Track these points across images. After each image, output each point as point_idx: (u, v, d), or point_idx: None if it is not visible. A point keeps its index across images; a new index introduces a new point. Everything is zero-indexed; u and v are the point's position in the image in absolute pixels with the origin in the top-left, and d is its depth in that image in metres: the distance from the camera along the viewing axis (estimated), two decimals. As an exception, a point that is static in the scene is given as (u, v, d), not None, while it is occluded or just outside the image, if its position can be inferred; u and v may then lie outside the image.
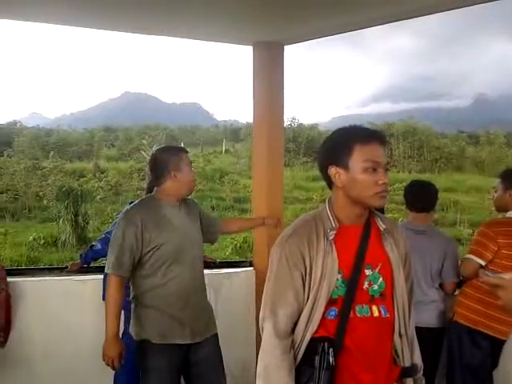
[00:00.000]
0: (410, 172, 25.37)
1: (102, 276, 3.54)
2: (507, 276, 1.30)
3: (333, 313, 1.71)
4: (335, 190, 1.77)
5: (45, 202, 18.49)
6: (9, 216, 17.52)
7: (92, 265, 3.75)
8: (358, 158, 1.67)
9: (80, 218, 15.10)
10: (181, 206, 2.78)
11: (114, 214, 16.44)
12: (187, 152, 2.85)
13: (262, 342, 1.75)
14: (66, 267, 3.75)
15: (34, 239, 14.62)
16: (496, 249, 2.96)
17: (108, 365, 2.66)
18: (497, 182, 3.19)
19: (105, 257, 3.57)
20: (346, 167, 1.70)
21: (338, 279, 1.70)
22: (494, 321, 2.94)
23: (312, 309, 1.70)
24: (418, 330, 1.94)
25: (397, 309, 1.76)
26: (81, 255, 3.68)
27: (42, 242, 14.65)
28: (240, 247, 14.18)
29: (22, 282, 3.66)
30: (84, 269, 3.71)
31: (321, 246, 1.71)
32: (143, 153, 25.59)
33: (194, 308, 2.75)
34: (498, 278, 1.30)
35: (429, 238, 3.22)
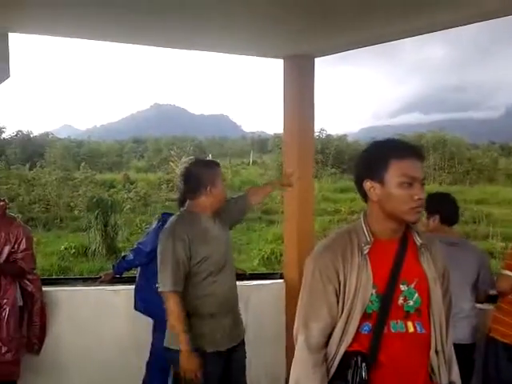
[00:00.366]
0: (440, 184, 24.95)
1: (133, 286, 3.59)
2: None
3: (366, 328, 1.70)
4: (370, 204, 1.76)
5: (76, 212, 18.85)
6: (40, 226, 17.89)
7: (124, 275, 3.80)
8: (394, 173, 1.66)
9: (110, 229, 15.32)
10: (215, 216, 2.86)
11: (143, 224, 16.65)
12: (219, 166, 2.92)
13: (295, 355, 1.76)
14: (99, 277, 3.81)
15: (65, 249, 14.91)
16: None
17: (190, 380, 2.63)
18: None
19: (137, 267, 3.62)
20: (381, 181, 1.69)
21: (372, 294, 1.69)
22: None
23: (346, 323, 1.70)
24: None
25: (433, 325, 1.74)
26: (113, 265, 3.73)
27: (73, 251, 14.92)
28: (267, 258, 14.17)
29: (56, 291, 3.74)
30: (116, 279, 3.77)
31: (355, 260, 1.70)
32: (172, 164, 25.86)
33: (234, 310, 2.89)
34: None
35: (462, 249, 3.17)
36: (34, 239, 3.81)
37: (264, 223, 18.59)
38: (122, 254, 3.85)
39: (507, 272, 2.97)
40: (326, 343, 1.73)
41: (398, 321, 1.70)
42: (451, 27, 3.42)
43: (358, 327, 1.69)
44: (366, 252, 1.71)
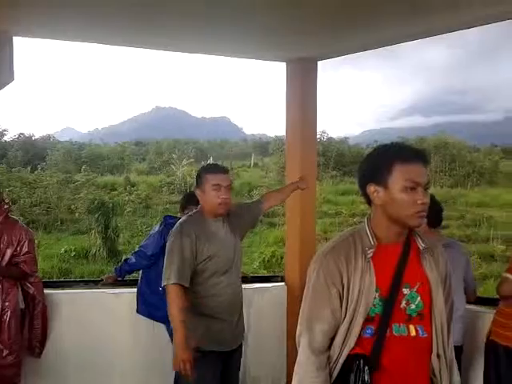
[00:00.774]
0: (441, 187, 24.94)
1: (135, 289, 3.59)
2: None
3: (369, 331, 1.70)
4: (374, 208, 1.76)
5: (76, 214, 18.84)
6: (41, 228, 17.88)
7: (126, 278, 3.80)
8: (398, 178, 1.66)
9: (110, 231, 15.32)
10: (224, 220, 2.88)
11: (144, 227, 16.67)
12: (220, 173, 2.83)
13: (298, 357, 1.77)
14: (101, 280, 3.81)
15: (66, 251, 14.90)
16: None
17: (181, 372, 2.62)
18: None
19: (139, 270, 3.63)
20: (385, 186, 1.69)
21: (375, 297, 1.69)
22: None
23: (349, 326, 1.70)
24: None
25: (435, 329, 1.74)
26: (115, 268, 3.74)
27: (73, 254, 14.91)
28: (268, 261, 14.15)
29: (58, 294, 3.74)
30: (118, 282, 3.77)
31: (359, 263, 1.71)
32: (173, 166, 25.91)
33: (238, 313, 2.91)
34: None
35: (453, 251, 3.20)
36: (36, 241, 3.82)
37: (265, 226, 18.56)
38: (123, 257, 3.86)
39: (509, 275, 2.97)
40: (329, 346, 1.73)
41: (401, 324, 1.70)
42: (453, 31, 3.42)
43: (361, 330, 1.69)
44: (369, 256, 1.71)
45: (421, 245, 1.77)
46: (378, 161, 1.73)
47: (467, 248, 15.07)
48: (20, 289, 3.39)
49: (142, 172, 30.36)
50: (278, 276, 4.31)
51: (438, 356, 1.76)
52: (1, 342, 3.22)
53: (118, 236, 15.72)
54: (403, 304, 1.71)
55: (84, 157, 32.73)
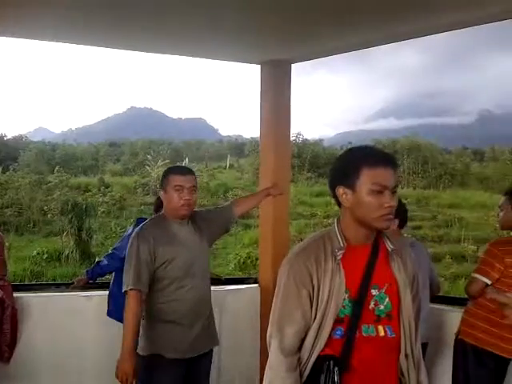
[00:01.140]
0: (414, 188, 25.34)
1: (107, 292, 3.56)
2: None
3: (339, 332, 1.72)
4: (343, 210, 1.78)
5: (49, 216, 18.57)
6: (13, 230, 17.59)
7: (98, 281, 3.76)
8: (365, 181, 1.68)
9: (84, 233, 15.16)
10: (188, 222, 2.84)
11: (118, 228, 16.52)
12: (184, 174, 2.77)
13: (269, 359, 1.77)
14: (72, 283, 3.76)
15: (38, 254, 14.68)
16: (502, 268, 2.93)
17: (121, 382, 2.60)
18: (502, 200, 3.16)
19: (111, 273, 3.60)
20: (353, 188, 1.71)
21: (345, 299, 1.71)
22: (499, 339, 2.91)
23: (319, 327, 1.71)
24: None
25: (403, 329, 1.76)
26: (87, 271, 3.69)
27: (46, 256, 14.70)
28: (243, 262, 14.17)
29: (28, 297, 3.68)
30: (90, 285, 3.73)
31: (328, 265, 1.72)
32: (148, 167, 25.71)
33: (204, 320, 2.83)
34: (507, 296, 1.31)
35: (418, 250, 3.30)
36: (6, 244, 3.76)
37: (240, 227, 18.58)
38: (96, 259, 3.82)
39: (477, 275, 3.02)
40: (300, 347, 1.74)
41: (370, 325, 1.72)
42: (425, 35, 3.47)
43: (331, 331, 1.70)
44: (339, 257, 1.73)
45: (389, 246, 1.79)
46: (347, 164, 1.75)
47: (439, 248, 15.37)
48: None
49: (117, 173, 30.07)
50: (251, 278, 4.33)
51: (406, 356, 1.78)
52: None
53: (91, 238, 15.58)
54: (372, 305, 1.73)
55: (57, 157, 32.32)
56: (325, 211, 18.50)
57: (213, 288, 3.91)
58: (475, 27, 3.30)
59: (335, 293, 1.70)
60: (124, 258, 3.41)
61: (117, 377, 2.59)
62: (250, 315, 3.99)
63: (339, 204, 1.78)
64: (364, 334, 1.71)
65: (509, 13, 2.90)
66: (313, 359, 1.71)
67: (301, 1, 2.75)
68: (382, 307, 1.74)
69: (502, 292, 2.93)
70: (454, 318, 3.29)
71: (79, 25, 3.16)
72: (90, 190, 22.43)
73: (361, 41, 3.58)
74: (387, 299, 1.75)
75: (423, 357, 3.11)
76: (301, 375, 1.73)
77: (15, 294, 3.48)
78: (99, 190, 22.41)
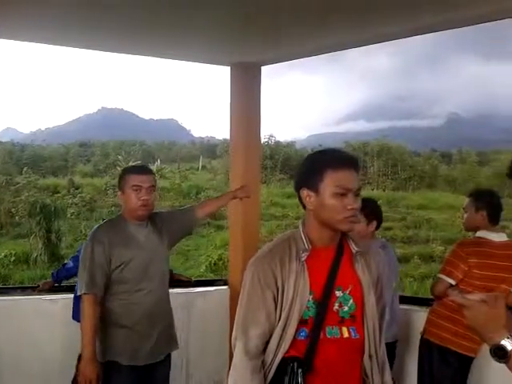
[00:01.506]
0: (384, 190, 25.75)
1: (73, 295, 3.50)
2: (473, 296, 1.33)
3: (303, 333, 1.72)
4: (307, 212, 1.79)
5: (17, 218, 18.22)
6: (-21, 232, 17.19)
7: (63, 284, 3.70)
8: (329, 183, 1.69)
9: (53, 235, 14.93)
10: (147, 223, 2.77)
11: (88, 230, 16.27)
12: (141, 173, 2.72)
13: (233, 361, 1.77)
14: (38, 286, 3.69)
15: (5, 256, 14.39)
16: (467, 269, 3.00)
17: None
18: (467, 201, 3.21)
19: (77, 275, 3.54)
20: (316, 191, 1.72)
21: (309, 300, 1.72)
22: (463, 338, 2.97)
23: (283, 329, 1.71)
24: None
25: (367, 330, 1.78)
26: (52, 274, 3.63)
27: (13, 259, 14.41)
28: (215, 264, 14.14)
29: (-7, 300, 3.59)
30: (55, 288, 3.66)
31: (293, 266, 1.73)
32: (119, 169, 25.44)
33: (162, 325, 2.76)
34: (464, 298, 1.34)
35: (389, 251, 3.34)
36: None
37: (212, 228, 18.57)
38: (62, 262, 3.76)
39: (442, 276, 3.08)
40: (264, 349, 1.75)
41: (334, 326, 1.73)
42: (397, 38, 3.48)
43: (295, 333, 1.71)
44: (303, 259, 1.73)
45: (353, 248, 1.81)
46: (311, 166, 1.76)
47: (408, 249, 15.63)
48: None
49: (87, 174, 29.75)
50: (221, 279, 4.32)
51: (370, 357, 1.79)
52: None
53: (60, 240, 15.36)
54: (336, 306, 1.74)
55: (26, 158, 31.78)
56: (296, 212, 18.63)
57: (182, 290, 3.93)
58: (446, 31, 3.36)
59: (299, 294, 1.70)
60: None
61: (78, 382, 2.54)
62: (219, 317, 3.97)
63: (304, 206, 1.79)
64: (328, 336, 1.72)
65: (480, 17, 2.96)
66: (277, 361, 1.72)
67: (270, 3, 2.76)
68: (346, 308, 1.75)
69: (466, 292, 2.99)
70: (421, 317, 3.35)
71: (50, 25, 3.11)
72: (59, 192, 22.15)
73: (332, 43, 3.60)
74: (351, 300, 1.76)
75: (393, 356, 3.18)
76: (265, 377, 1.73)
77: (-21, 298, 3.40)
78: (69, 191, 22.13)
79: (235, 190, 3.42)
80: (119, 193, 2.73)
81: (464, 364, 3.10)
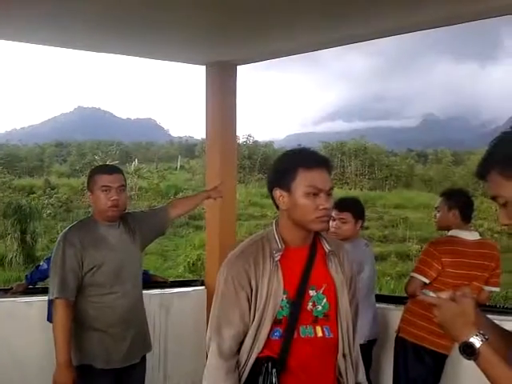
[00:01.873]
0: (361, 189, 25.97)
1: (47, 297, 3.45)
2: (443, 295, 1.35)
3: (277, 333, 1.72)
4: (280, 212, 1.80)
5: (-9, 219, 17.85)
6: (-48, 234, 16.80)
7: (38, 285, 3.64)
8: (301, 183, 1.70)
9: (28, 236, 14.69)
10: (119, 223, 2.72)
11: (64, 231, 16.06)
12: (110, 173, 2.66)
13: (207, 362, 1.76)
14: (11, 288, 3.62)
15: (-21, 258, 14.09)
16: (440, 268, 3.04)
17: None
18: (439, 200, 3.25)
19: (51, 277, 3.49)
20: (288, 191, 1.72)
21: (283, 300, 1.72)
22: (437, 336, 2.99)
23: (257, 329, 1.72)
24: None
25: (340, 329, 1.79)
26: (26, 276, 3.57)
27: (-13, 260, 14.14)
28: (193, 264, 14.09)
29: (-36, 304, 3.52)
30: (30, 290, 3.60)
31: (267, 266, 1.73)
32: (95, 169, 25.14)
33: (136, 327, 2.73)
34: (434, 297, 1.35)
35: (371, 250, 3.42)
36: None
37: (191, 229, 18.50)
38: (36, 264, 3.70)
39: (415, 274, 3.12)
40: (238, 350, 1.75)
41: (307, 326, 1.74)
42: (371, 39, 3.52)
43: (269, 333, 1.71)
44: (277, 259, 1.74)
45: (326, 247, 1.82)
46: (283, 166, 1.76)
47: (385, 248, 15.80)
48: None
49: (63, 174, 29.37)
50: (198, 280, 4.30)
51: (344, 356, 1.80)
52: None
53: (35, 241, 15.12)
54: (310, 306, 1.74)
55: (0, 158, 31.16)
56: (275, 212, 18.49)
57: (159, 291, 3.91)
58: (422, 32, 3.40)
59: (273, 294, 1.71)
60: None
61: None
62: (196, 318, 3.96)
63: (277, 206, 1.80)
64: (302, 335, 1.73)
65: (456, 18, 3.00)
66: (251, 361, 1.72)
67: (246, 2, 2.77)
68: (319, 308, 1.76)
69: (438, 291, 3.04)
70: (397, 316, 3.39)
71: (27, 24, 3.08)
72: (34, 192, 21.79)
73: (307, 43, 3.62)
74: (325, 300, 1.77)
75: (371, 353, 3.21)
76: (239, 378, 1.73)
77: (-50, 301, 3.32)
78: (44, 191, 21.79)
79: (208, 190, 3.34)
80: (89, 193, 2.68)
81: (438, 362, 3.15)
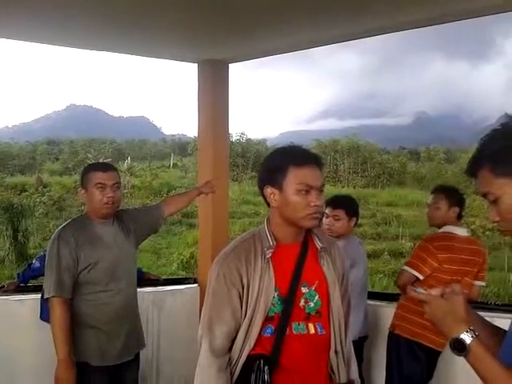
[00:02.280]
0: (354, 187, 25.99)
1: (40, 295, 3.44)
2: (433, 292, 1.35)
3: (269, 330, 1.73)
4: (272, 210, 1.80)
5: (-17, 217, 17.74)
6: None
7: (30, 284, 3.62)
8: (292, 180, 1.71)
9: (20, 235, 14.60)
10: (113, 221, 2.73)
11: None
12: (105, 171, 2.67)
13: (199, 359, 1.76)
14: (3, 286, 3.60)
15: (-29, 256, 14.00)
16: (436, 264, 3.04)
17: None
18: (436, 197, 3.21)
19: (43, 275, 3.47)
20: (280, 188, 1.73)
21: (274, 297, 1.72)
22: (432, 332, 2.98)
23: (249, 326, 1.72)
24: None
25: (333, 326, 1.79)
26: (18, 274, 3.56)
27: (-20, 259, 14.05)
28: (187, 262, 14.05)
29: (-44, 302, 3.50)
30: (22, 288, 3.58)
31: (258, 264, 1.73)
32: (88, 167, 25.03)
33: (129, 324, 2.74)
34: (424, 293, 1.36)
35: (363, 248, 3.43)
36: None
37: (184, 226, 18.43)
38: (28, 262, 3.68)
39: (407, 268, 3.12)
40: (230, 347, 1.75)
41: (300, 322, 1.74)
42: (364, 37, 3.52)
43: (261, 330, 1.71)
44: (268, 256, 1.74)
45: (318, 244, 1.82)
46: (274, 164, 1.76)
47: (378, 245, 15.83)
48: None
49: (55, 172, 29.17)
50: (190, 278, 4.29)
51: (336, 352, 1.81)
52: None
53: (28, 239, 15.02)
54: (302, 302, 1.75)
55: (-9, 156, 30.94)
56: (267, 210, 18.60)
57: (152, 289, 3.91)
58: (414, 31, 3.41)
59: (264, 291, 1.71)
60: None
61: None
62: (189, 315, 3.96)
63: (268, 204, 1.80)
64: (294, 332, 1.73)
65: (447, 16, 3.02)
66: (243, 358, 1.72)
67: (238, 1, 2.77)
68: (312, 304, 1.76)
69: (435, 287, 3.05)
70: (389, 313, 3.40)
71: (20, 21, 3.07)
72: (26, 190, 21.63)
73: (299, 41, 3.63)
74: (317, 296, 1.77)
75: (362, 349, 3.23)
76: (231, 375, 1.73)
77: None
78: (37, 189, 21.64)
79: (200, 186, 3.34)
80: (82, 191, 2.67)
81: (432, 358, 3.16)
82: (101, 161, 24.68)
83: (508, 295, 11.39)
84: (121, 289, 2.65)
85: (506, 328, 1.32)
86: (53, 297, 2.53)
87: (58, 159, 35.19)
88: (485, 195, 1.25)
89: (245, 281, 1.73)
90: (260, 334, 1.72)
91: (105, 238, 2.65)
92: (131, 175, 24.43)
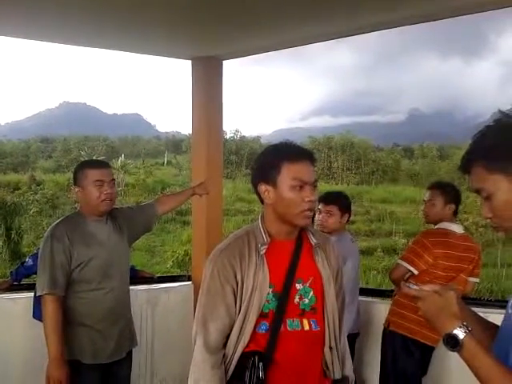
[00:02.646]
0: (348, 184, 26.07)
1: (32, 293, 3.42)
2: (427, 287, 1.36)
3: (263, 327, 1.73)
4: (266, 207, 1.80)
5: (-25, 215, 17.65)
6: None
7: (23, 282, 3.61)
8: (286, 176, 1.71)
9: (13, 233, 14.54)
10: (107, 219, 2.72)
11: (50, 227, 15.93)
12: (102, 168, 2.67)
13: (193, 356, 1.76)
14: (-5, 285, 3.59)
15: (-36, 255, 13.94)
16: (431, 260, 3.04)
17: None
18: (433, 194, 3.20)
19: (36, 273, 3.46)
20: (274, 185, 1.73)
21: (269, 293, 1.72)
22: (426, 328, 2.97)
23: (243, 323, 1.72)
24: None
25: (327, 322, 1.79)
26: (11, 272, 3.54)
27: (-28, 258, 13.99)
28: (181, 260, 14.05)
29: None
30: (15, 286, 3.57)
31: (252, 260, 1.73)
32: (81, 164, 24.95)
33: (122, 323, 2.74)
34: (417, 289, 1.36)
35: (356, 245, 3.43)
36: None
37: (178, 224, 18.43)
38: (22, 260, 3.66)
39: (401, 262, 3.13)
40: (225, 344, 1.74)
41: (294, 319, 1.74)
42: (357, 34, 3.52)
43: (255, 327, 1.71)
44: (262, 252, 1.74)
45: (313, 241, 1.82)
46: (268, 160, 1.77)
47: (371, 242, 15.89)
48: None
49: (49, 170, 29.10)
50: (184, 275, 4.29)
51: (331, 348, 1.81)
52: None
53: (21, 238, 14.97)
54: (297, 299, 1.75)
55: (-16, 154, 30.79)
56: (262, 207, 18.65)
57: (146, 287, 3.90)
58: (408, 28, 3.41)
59: (259, 287, 1.71)
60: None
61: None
62: (183, 313, 3.96)
63: (262, 201, 1.80)
64: (289, 328, 1.73)
65: (441, 13, 3.02)
66: (237, 355, 1.72)
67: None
68: (306, 301, 1.76)
69: (429, 283, 3.05)
70: (382, 309, 3.41)
71: (15, 17, 3.05)
72: (20, 188, 21.56)
73: (293, 38, 3.62)
74: (311, 293, 1.77)
75: (354, 346, 3.23)
76: (226, 372, 1.73)
77: None
78: (30, 187, 21.56)
79: (194, 187, 3.33)
80: (77, 189, 2.65)
81: (426, 354, 3.16)
82: (94, 158, 24.71)
83: (501, 291, 11.46)
84: (114, 287, 2.64)
85: (499, 324, 1.32)
86: (46, 294, 2.51)
87: (51, 157, 35.10)
88: (478, 191, 1.25)
89: (239, 277, 1.72)
90: (254, 331, 1.71)
91: (98, 236, 2.64)
92: (125, 173, 24.38)
